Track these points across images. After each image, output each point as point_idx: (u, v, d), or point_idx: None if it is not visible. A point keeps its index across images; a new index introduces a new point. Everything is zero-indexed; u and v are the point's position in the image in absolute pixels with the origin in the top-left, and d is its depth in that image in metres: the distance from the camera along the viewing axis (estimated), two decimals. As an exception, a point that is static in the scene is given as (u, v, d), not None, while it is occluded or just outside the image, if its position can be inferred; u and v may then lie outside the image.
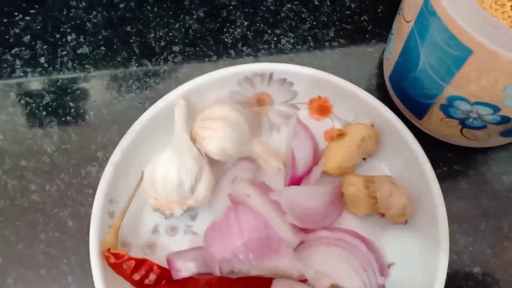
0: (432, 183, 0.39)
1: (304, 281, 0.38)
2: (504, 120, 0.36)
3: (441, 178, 0.43)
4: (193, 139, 0.40)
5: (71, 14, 0.50)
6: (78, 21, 0.49)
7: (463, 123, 0.39)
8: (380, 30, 0.49)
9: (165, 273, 0.38)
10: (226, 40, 0.49)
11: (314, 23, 0.49)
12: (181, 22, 0.49)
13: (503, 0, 0.36)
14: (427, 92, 0.38)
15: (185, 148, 0.39)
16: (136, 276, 0.37)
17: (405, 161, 0.41)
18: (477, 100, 0.35)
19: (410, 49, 0.37)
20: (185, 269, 0.36)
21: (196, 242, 0.40)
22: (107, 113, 0.46)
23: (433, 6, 0.32)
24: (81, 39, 0.49)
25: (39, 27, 0.49)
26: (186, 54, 0.48)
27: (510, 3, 0.36)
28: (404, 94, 0.42)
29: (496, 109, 0.35)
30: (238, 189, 0.38)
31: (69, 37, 0.49)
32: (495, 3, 0.37)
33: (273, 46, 0.49)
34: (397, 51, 0.40)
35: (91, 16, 0.50)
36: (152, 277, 0.37)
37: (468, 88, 0.34)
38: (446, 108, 0.38)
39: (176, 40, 0.49)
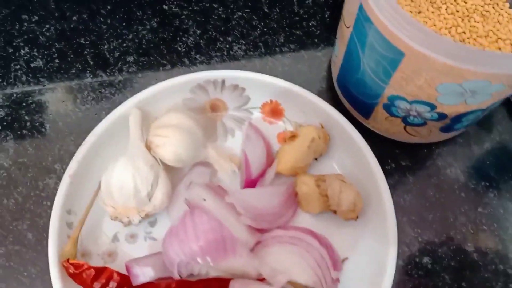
0: (379, 179, 0.41)
1: (262, 280, 0.39)
2: (441, 117, 0.39)
3: (389, 174, 0.46)
4: (148, 147, 0.41)
5: (23, 28, 0.50)
6: (30, 35, 0.50)
7: (405, 120, 0.41)
8: (328, 34, 0.51)
9: (125, 280, 0.39)
10: (180, 48, 0.50)
11: (265, 29, 0.51)
12: (135, 33, 0.50)
13: (439, 4, 0.39)
14: (370, 93, 0.40)
15: (140, 156, 0.40)
16: (97, 285, 0.38)
17: (354, 160, 0.43)
18: (414, 99, 0.37)
19: (352, 53, 0.39)
20: (143, 274, 0.37)
21: (156, 248, 0.41)
22: (63, 125, 0.46)
23: (366, 12, 0.34)
24: (35, 53, 0.49)
25: (-9, 42, 0.49)
26: (140, 64, 0.49)
27: (445, 6, 0.39)
28: (351, 95, 0.44)
29: (432, 106, 0.37)
30: (194, 193, 0.39)
31: (22, 51, 0.49)
32: (431, 6, 0.39)
33: (225, 53, 0.50)
34: (341, 55, 0.42)
35: (43, 30, 0.50)
36: (112, 284, 0.38)
37: (405, 88, 0.37)
38: (389, 107, 0.40)
39: (130, 50, 0.50)
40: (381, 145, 0.46)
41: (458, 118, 0.39)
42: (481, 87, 0.33)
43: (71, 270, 0.37)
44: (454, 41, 0.37)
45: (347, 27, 0.39)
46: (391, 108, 0.40)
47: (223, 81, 0.44)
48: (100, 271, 0.38)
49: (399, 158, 0.46)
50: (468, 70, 0.31)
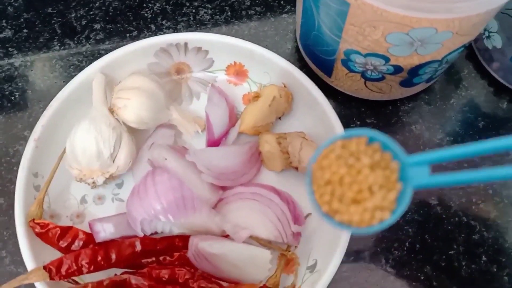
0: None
1: (226, 236, 0.40)
2: (397, 69, 0.39)
3: (355, 132, 0.46)
4: (111, 110, 0.42)
5: (-9, 0, 0.51)
6: (-1, 6, 0.50)
7: (364, 76, 0.41)
8: (294, -4, 0.51)
9: (92, 239, 0.40)
10: (146, 15, 0.50)
11: (231, -7, 0.51)
12: (101, 0, 0.51)
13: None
14: (328, 49, 0.40)
15: (102, 118, 0.41)
16: (63, 243, 0.39)
17: (316, 117, 0.43)
18: (367, 52, 0.37)
19: (307, 10, 0.39)
20: (104, 230, 0.38)
21: (123, 208, 0.42)
22: (32, 93, 0.47)
23: (312, -37, 0.34)
24: (3, 23, 0.50)
25: (-40, 15, 0.50)
26: (107, 31, 0.50)
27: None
28: (312, 53, 0.44)
29: (386, 59, 0.37)
30: (155, 153, 0.40)
31: (-9, 22, 0.50)
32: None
33: (192, 18, 0.50)
34: (299, 13, 0.42)
35: (11, 0, 0.50)
36: (78, 243, 0.39)
37: (357, 41, 0.37)
38: (346, 63, 0.40)
39: (97, 18, 0.50)
40: (346, 104, 0.47)
41: (414, 70, 0.39)
42: (428, 35, 0.34)
43: (37, 229, 0.39)
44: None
45: (301, -17, 0.39)
46: (349, 63, 0.40)
47: (185, 44, 0.44)
48: (65, 230, 0.39)
49: (365, 116, 0.47)
50: (411, 18, 0.31)
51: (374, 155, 0.28)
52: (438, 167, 0.27)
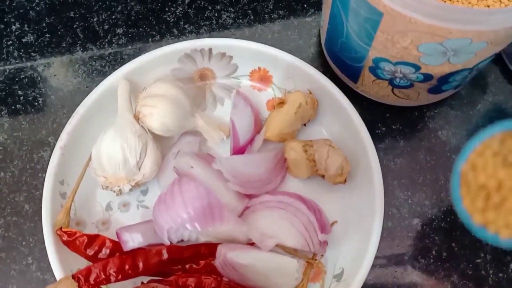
0: (366, 143, 0.41)
1: (251, 244, 0.40)
2: (427, 77, 0.38)
3: (380, 138, 0.46)
4: (137, 117, 0.42)
5: (14, 4, 0.50)
6: (21, 10, 0.50)
7: (392, 83, 0.41)
8: (317, -1, 0.50)
9: (118, 247, 0.40)
10: (168, 19, 0.50)
11: (253, -4, 0.51)
12: (123, 4, 0.50)
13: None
14: (355, 56, 0.40)
15: (127, 126, 0.40)
16: (90, 251, 0.39)
17: (342, 124, 0.43)
18: (398, 60, 0.37)
19: (335, 16, 0.39)
20: (132, 240, 0.38)
21: (148, 215, 0.42)
22: (56, 99, 0.47)
23: (344, -28, 0.33)
24: (26, 28, 0.49)
25: (-17, 19, 0.50)
26: (130, 35, 0.49)
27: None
28: (338, 59, 0.44)
29: (416, 67, 0.37)
30: (181, 161, 0.40)
31: (13, 27, 0.49)
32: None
33: (214, 22, 0.50)
34: (327, 19, 0.42)
35: (33, 4, 0.50)
36: (105, 251, 0.39)
37: (388, 49, 0.36)
38: (374, 70, 0.40)
39: (119, 22, 0.50)
40: (372, 110, 0.46)
41: (444, 78, 0.38)
42: (463, 46, 0.33)
43: (65, 238, 0.39)
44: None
45: (329, -10, 0.38)
46: (377, 71, 0.40)
47: (210, 50, 0.44)
48: (93, 238, 0.39)
49: (390, 122, 0.46)
50: (447, 29, 0.31)
51: None
52: None
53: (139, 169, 0.41)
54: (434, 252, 0.42)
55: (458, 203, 0.25)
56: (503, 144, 0.23)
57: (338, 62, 0.44)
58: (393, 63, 0.37)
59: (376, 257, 0.39)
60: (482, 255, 0.42)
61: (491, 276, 0.42)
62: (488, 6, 0.36)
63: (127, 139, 0.40)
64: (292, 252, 0.40)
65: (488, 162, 0.23)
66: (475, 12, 0.30)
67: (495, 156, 0.23)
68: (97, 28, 0.49)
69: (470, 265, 0.42)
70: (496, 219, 0.23)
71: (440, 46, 0.33)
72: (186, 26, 0.50)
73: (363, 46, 0.38)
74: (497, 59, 0.48)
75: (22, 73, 0.48)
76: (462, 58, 0.35)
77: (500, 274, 0.42)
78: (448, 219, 0.43)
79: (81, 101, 0.42)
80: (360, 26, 0.36)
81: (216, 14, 0.50)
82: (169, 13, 0.50)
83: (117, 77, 0.43)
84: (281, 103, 0.43)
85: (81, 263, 0.39)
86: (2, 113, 0.47)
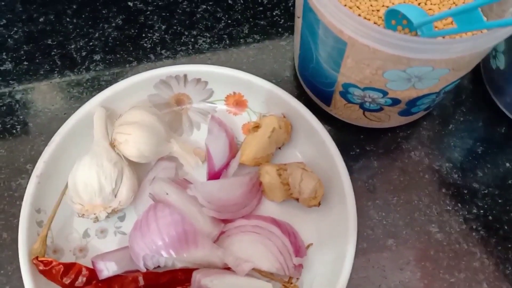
0: (339, 166, 0.41)
1: (227, 269, 0.40)
2: (395, 102, 0.39)
3: (354, 159, 0.46)
4: (113, 144, 0.42)
5: (-8, 32, 0.51)
6: (-1, 38, 0.51)
7: (362, 107, 0.41)
8: (292, 23, 0.51)
9: (94, 275, 0.40)
10: (145, 45, 0.51)
11: (229, 21, 0.51)
12: (101, 31, 0.51)
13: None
14: (326, 81, 0.41)
15: (103, 153, 0.41)
16: (66, 280, 0.39)
17: (316, 147, 0.44)
18: (366, 85, 0.38)
19: (305, 43, 0.40)
20: (107, 269, 0.38)
21: (126, 241, 0.42)
22: (34, 126, 0.47)
23: (309, 3, 0.34)
24: (3, 56, 0.50)
25: (-39, 47, 0.50)
26: (107, 61, 0.50)
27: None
28: (311, 83, 0.45)
29: (384, 92, 0.38)
30: (156, 188, 0.41)
31: (-9, 55, 0.50)
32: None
33: (190, 47, 0.51)
34: (297, 45, 0.43)
35: (11, 33, 0.51)
36: (81, 279, 0.39)
37: (355, 75, 0.37)
38: (345, 95, 0.41)
39: (97, 49, 0.50)
40: (346, 131, 0.47)
41: (412, 102, 0.39)
42: (425, 72, 0.34)
43: (41, 267, 0.39)
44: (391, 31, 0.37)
45: (298, 17, 0.39)
46: (347, 95, 0.41)
47: (185, 76, 0.45)
48: (69, 267, 0.39)
49: (364, 143, 0.47)
50: (408, 58, 0.32)
51: None
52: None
53: (115, 196, 0.41)
54: (409, 272, 0.43)
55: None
56: None
57: (311, 86, 0.45)
58: (362, 89, 0.38)
59: (351, 278, 0.39)
60: (457, 274, 0.43)
61: (466, 294, 0.42)
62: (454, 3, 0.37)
63: (102, 166, 0.40)
64: (269, 276, 0.41)
65: None
66: (434, 42, 0.31)
67: None
68: (75, 55, 0.50)
69: (445, 285, 0.43)
70: None
71: (404, 73, 0.34)
72: (163, 51, 0.50)
73: (332, 72, 0.39)
74: (472, 79, 0.49)
75: (0, 100, 0.48)
76: (427, 83, 0.36)
77: (475, 292, 0.42)
78: (422, 239, 0.44)
79: (59, 128, 0.43)
80: (328, 54, 0.37)
81: (193, 39, 0.51)
82: (146, 39, 0.51)
83: (93, 105, 0.43)
84: (256, 127, 0.44)
85: (59, 291, 0.40)
86: (-20, 141, 0.47)
